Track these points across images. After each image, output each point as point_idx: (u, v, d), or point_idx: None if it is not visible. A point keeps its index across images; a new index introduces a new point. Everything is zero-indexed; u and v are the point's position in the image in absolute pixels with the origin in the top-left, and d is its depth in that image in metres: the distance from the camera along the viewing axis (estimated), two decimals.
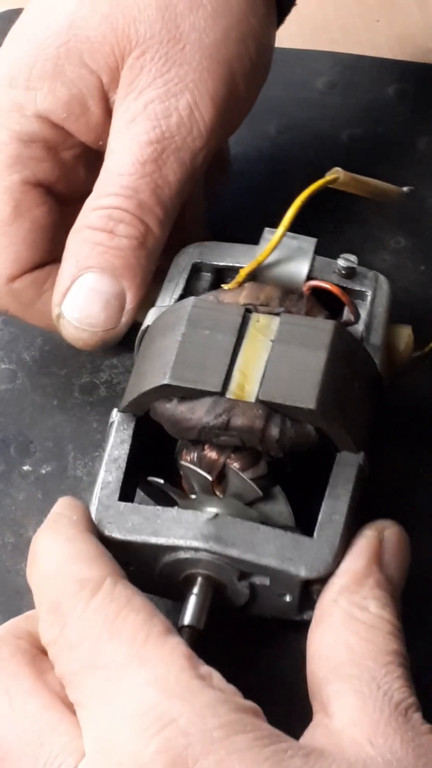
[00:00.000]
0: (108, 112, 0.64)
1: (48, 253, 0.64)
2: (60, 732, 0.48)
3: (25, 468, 0.65)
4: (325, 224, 0.61)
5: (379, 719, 0.47)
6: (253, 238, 0.63)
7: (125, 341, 0.67)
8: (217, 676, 0.47)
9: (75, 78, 0.63)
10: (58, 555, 0.52)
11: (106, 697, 0.47)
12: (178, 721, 0.45)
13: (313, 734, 0.49)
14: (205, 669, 0.47)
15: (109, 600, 0.49)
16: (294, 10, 0.69)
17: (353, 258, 0.61)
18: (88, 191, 0.64)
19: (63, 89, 0.63)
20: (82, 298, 0.61)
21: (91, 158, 0.66)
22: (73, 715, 0.48)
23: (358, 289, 0.61)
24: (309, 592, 0.54)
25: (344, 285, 0.61)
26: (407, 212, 0.74)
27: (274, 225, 0.61)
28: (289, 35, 0.79)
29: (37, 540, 0.54)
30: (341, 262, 0.61)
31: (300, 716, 0.51)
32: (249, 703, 0.47)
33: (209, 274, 0.63)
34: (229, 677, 0.48)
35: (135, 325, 0.63)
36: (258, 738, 0.45)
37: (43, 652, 0.51)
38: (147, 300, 0.62)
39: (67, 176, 0.65)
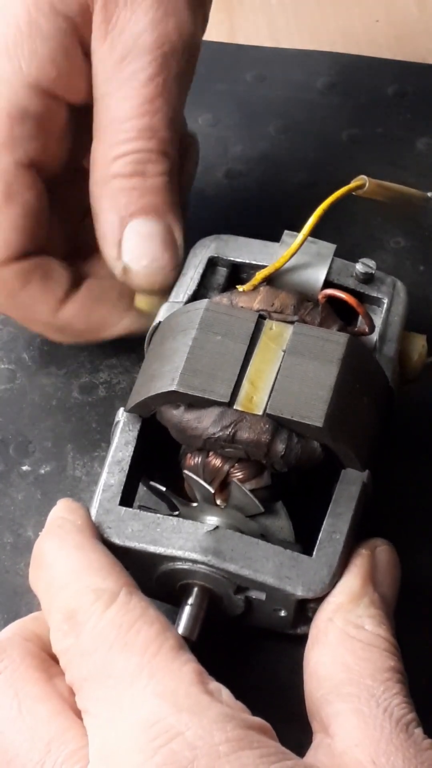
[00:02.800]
0: (87, 57, 0.62)
1: (35, 240, 0.63)
2: (67, 739, 0.48)
3: (24, 468, 0.65)
4: (325, 225, 0.60)
5: (380, 738, 0.47)
6: (254, 238, 0.63)
7: (123, 341, 0.67)
8: (225, 692, 0.47)
9: (52, 29, 0.61)
10: (70, 563, 0.52)
11: (114, 705, 0.47)
12: (185, 735, 0.45)
13: (315, 755, 0.49)
14: (214, 685, 0.47)
15: (124, 611, 0.49)
16: (294, 11, 0.69)
17: (372, 263, 0.60)
18: (71, 167, 0.63)
19: (44, 46, 0.61)
20: (141, 245, 0.61)
21: (75, 125, 0.64)
22: (81, 722, 0.48)
23: (375, 295, 0.60)
24: (304, 609, 0.54)
25: (361, 290, 0.60)
26: (407, 213, 0.74)
27: (275, 225, 0.61)
28: (288, 35, 0.79)
29: (43, 546, 0.53)
30: (359, 267, 0.60)
31: (299, 726, 0.51)
32: (257, 720, 0.47)
33: (225, 269, 0.62)
34: (224, 681, 0.48)
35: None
36: (264, 755, 0.45)
37: (52, 655, 0.51)
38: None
39: (55, 152, 0.64)
